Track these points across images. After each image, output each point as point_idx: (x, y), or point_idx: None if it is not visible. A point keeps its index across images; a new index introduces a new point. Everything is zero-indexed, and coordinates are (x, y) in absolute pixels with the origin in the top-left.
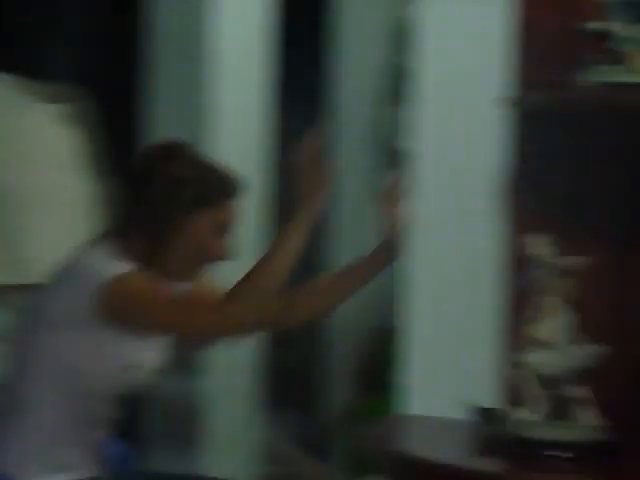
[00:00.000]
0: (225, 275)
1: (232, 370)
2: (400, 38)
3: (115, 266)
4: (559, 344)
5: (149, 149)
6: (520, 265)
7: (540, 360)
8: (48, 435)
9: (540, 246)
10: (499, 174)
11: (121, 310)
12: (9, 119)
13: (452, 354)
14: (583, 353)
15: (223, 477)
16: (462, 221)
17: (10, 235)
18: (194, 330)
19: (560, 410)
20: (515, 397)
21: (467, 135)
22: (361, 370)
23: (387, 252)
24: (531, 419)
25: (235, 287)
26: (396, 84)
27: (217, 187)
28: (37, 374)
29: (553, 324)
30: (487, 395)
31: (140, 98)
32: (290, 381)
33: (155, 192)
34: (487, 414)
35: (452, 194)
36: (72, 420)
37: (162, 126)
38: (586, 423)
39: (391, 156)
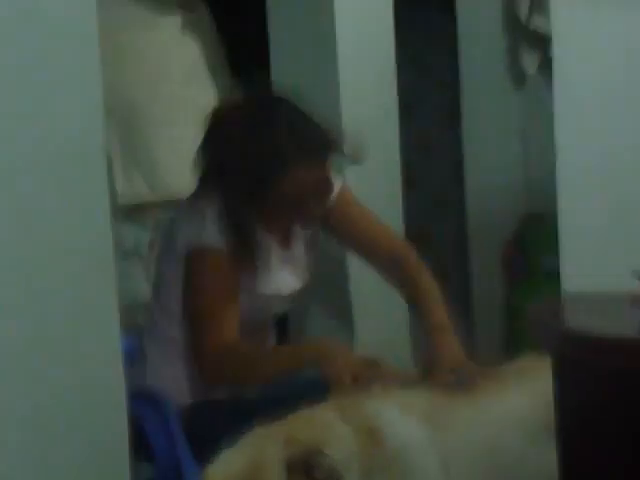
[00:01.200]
0: None
1: None
2: None
3: (204, 234)
4: None
5: (245, 102)
6: None
7: None
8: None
9: None
10: None
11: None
12: (135, 33)
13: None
14: None
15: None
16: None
17: (143, 152)
18: (193, 341)
19: None
20: None
21: None
22: (507, 258)
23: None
24: None
25: (249, 352)
26: None
27: (316, 144)
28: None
29: None
30: None
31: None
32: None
33: (251, 146)
34: None
35: None
36: None
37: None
38: None
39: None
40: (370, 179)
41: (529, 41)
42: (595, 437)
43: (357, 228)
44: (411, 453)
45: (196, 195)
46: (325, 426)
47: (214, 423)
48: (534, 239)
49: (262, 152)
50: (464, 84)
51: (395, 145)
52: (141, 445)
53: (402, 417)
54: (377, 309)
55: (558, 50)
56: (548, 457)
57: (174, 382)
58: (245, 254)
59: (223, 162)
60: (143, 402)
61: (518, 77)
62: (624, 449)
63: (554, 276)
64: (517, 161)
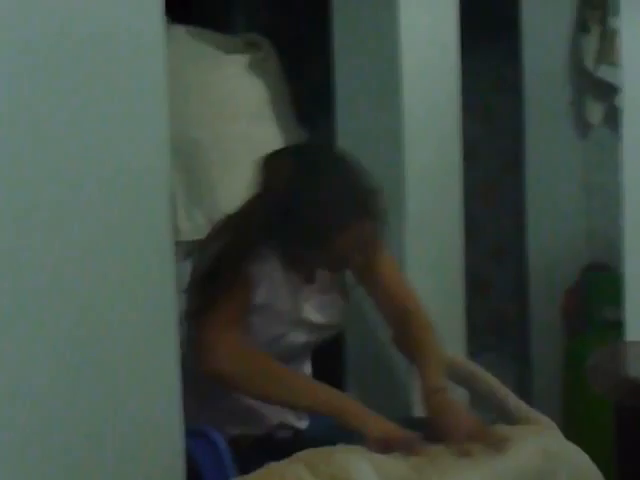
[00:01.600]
0: None
1: None
2: None
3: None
4: None
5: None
6: None
7: None
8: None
9: None
10: None
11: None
12: (201, 71)
13: None
14: None
15: None
16: None
17: (205, 191)
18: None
19: None
20: None
21: None
22: (567, 307)
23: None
24: None
25: (265, 360)
26: None
27: (357, 208)
28: None
29: None
30: None
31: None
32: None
33: (300, 214)
34: None
35: None
36: None
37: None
38: None
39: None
40: (433, 227)
41: (595, 91)
42: None
43: (385, 281)
44: None
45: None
46: None
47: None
48: (596, 289)
49: (327, 204)
50: (528, 133)
51: (458, 193)
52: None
53: (372, 473)
54: None
55: (626, 100)
56: None
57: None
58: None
59: (283, 209)
60: (196, 439)
61: (583, 127)
62: None
63: (615, 327)
64: (580, 211)
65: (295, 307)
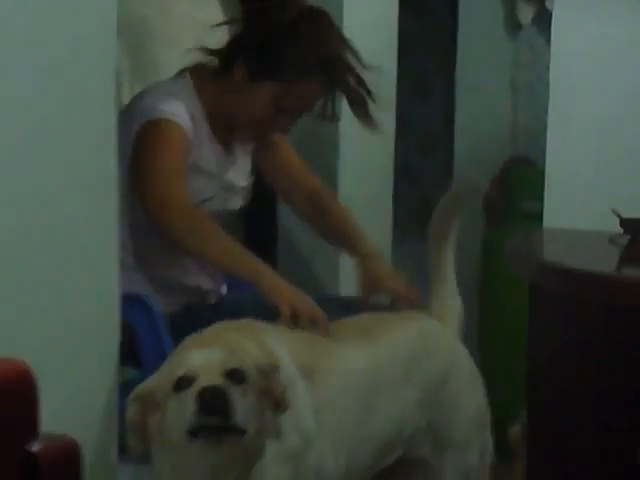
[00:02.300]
0: None
1: None
2: None
3: (165, 107)
4: None
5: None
6: None
7: None
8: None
9: None
10: None
11: (135, 148)
12: None
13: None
14: None
15: None
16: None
17: (151, 69)
18: (147, 202)
19: None
20: None
21: None
22: (489, 198)
23: None
24: None
25: (206, 223)
26: None
27: (321, 64)
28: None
29: None
30: (633, 206)
31: None
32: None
33: (281, 48)
34: (633, 224)
35: None
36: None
37: None
38: None
39: None
40: None
41: None
42: (560, 358)
43: (287, 166)
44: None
45: (173, 78)
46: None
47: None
48: (517, 182)
49: (310, 50)
50: (461, 31)
51: (392, 86)
52: (128, 350)
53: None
54: None
55: (556, 2)
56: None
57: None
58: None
59: (271, 40)
60: (133, 305)
61: (513, 27)
62: (587, 369)
63: (532, 220)
64: (506, 107)
65: (220, 171)
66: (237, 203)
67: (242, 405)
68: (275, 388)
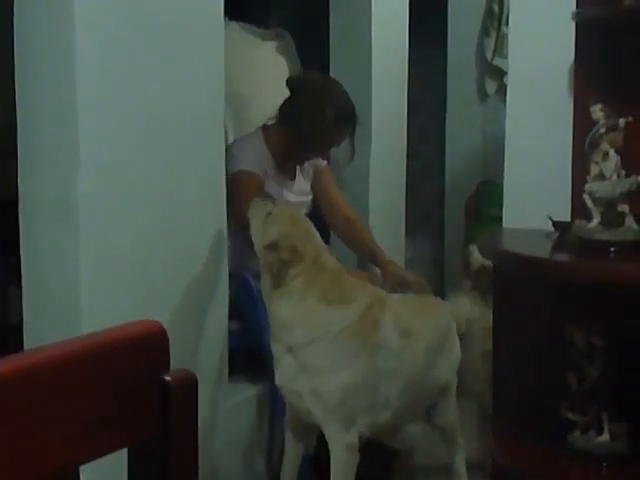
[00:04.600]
0: None
1: None
2: None
3: (241, 162)
4: (611, 176)
5: (317, 79)
6: (587, 125)
7: (598, 188)
8: None
9: (597, 111)
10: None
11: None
12: (246, 51)
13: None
14: (627, 182)
15: None
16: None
17: (246, 126)
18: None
19: (613, 220)
20: (584, 213)
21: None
22: (468, 208)
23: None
24: (592, 226)
25: None
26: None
27: (343, 120)
28: None
29: (607, 164)
30: (563, 212)
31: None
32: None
33: (313, 114)
34: (563, 225)
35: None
36: None
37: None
38: (631, 229)
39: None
40: (391, 159)
41: (491, 73)
42: (518, 320)
43: (329, 195)
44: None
45: (250, 134)
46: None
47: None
48: (486, 196)
49: (330, 115)
50: (450, 98)
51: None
52: (232, 310)
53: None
54: None
55: (510, 80)
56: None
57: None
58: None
59: (302, 117)
60: (237, 281)
61: (483, 95)
62: (544, 336)
63: (497, 221)
64: (478, 149)
65: (280, 193)
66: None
67: None
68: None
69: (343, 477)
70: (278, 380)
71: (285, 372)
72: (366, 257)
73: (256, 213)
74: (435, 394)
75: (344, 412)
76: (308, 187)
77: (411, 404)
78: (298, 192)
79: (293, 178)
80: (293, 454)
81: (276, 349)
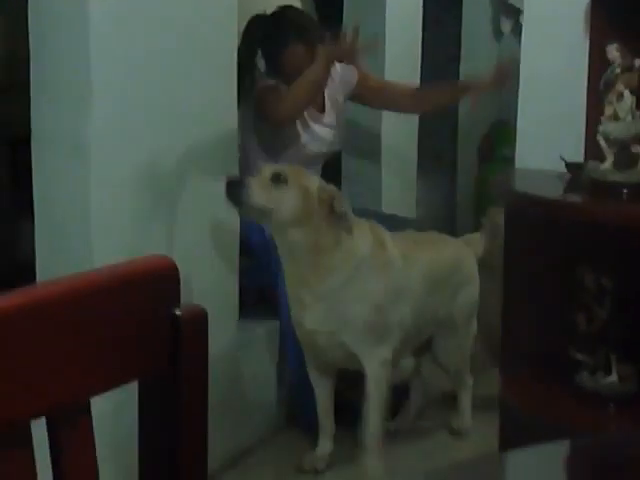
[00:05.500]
0: None
1: None
2: None
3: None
4: (626, 117)
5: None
6: (603, 65)
7: (612, 129)
8: None
9: (613, 51)
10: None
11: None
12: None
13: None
14: None
15: None
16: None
17: None
18: (273, 112)
19: (626, 162)
20: (597, 154)
21: None
22: (482, 147)
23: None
24: (605, 167)
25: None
26: None
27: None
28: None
29: (621, 104)
30: (575, 153)
31: None
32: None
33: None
34: (575, 166)
35: None
36: None
37: None
38: None
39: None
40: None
41: (507, 12)
42: (532, 267)
43: (384, 90)
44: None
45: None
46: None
47: None
48: (499, 136)
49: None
50: (464, 36)
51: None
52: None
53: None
54: None
55: (526, 19)
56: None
57: None
58: None
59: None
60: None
61: (499, 35)
62: (554, 277)
63: (509, 160)
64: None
65: (308, 128)
66: (323, 149)
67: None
68: (337, 206)
69: (378, 393)
70: (310, 325)
71: (317, 317)
72: (459, 96)
73: None
74: (432, 327)
75: (376, 331)
76: (335, 121)
77: (416, 331)
78: (329, 125)
79: (322, 110)
80: (324, 396)
81: (306, 295)
